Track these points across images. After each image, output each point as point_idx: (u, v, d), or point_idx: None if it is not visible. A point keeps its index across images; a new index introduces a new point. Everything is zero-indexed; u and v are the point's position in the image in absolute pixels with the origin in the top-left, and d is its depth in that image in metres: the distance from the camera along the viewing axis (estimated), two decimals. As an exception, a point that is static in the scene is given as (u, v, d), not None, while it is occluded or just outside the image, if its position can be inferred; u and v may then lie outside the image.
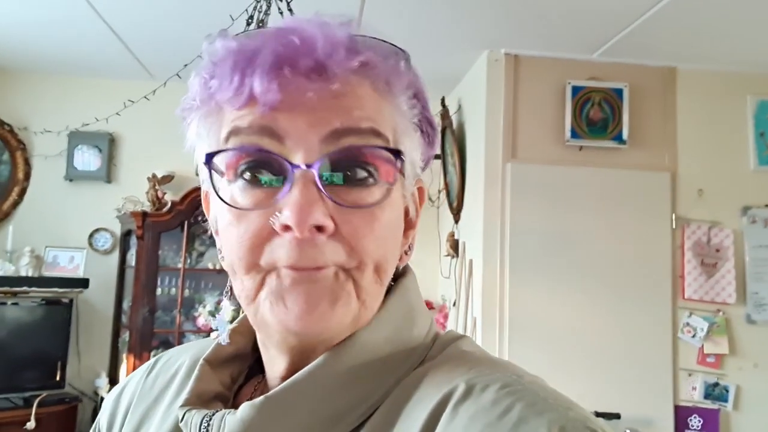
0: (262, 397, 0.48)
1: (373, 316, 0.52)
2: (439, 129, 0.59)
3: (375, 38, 0.52)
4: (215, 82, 0.49)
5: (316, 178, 0.46)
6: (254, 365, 0.60)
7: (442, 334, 0.57)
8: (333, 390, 0.49)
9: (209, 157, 0.49)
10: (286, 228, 0.46)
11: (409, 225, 0.57)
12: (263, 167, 0.48)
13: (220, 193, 0.49)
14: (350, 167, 0.48)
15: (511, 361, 0.51)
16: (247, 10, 2.13)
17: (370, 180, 0.49)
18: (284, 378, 0.52)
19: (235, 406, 0.55)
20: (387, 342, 0.52)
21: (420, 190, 0.59)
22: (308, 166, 0.46)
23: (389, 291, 0.55)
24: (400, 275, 0.57)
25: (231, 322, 0.61)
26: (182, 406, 0.53)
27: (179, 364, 0.64)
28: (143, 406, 0.62)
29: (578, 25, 2.75)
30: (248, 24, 2.03)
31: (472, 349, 0.54)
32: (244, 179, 0.48)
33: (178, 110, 0.54)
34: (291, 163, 0.47)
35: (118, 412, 0.64)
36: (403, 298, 0.55)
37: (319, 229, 0.46)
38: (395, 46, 0.54)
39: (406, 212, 0.56)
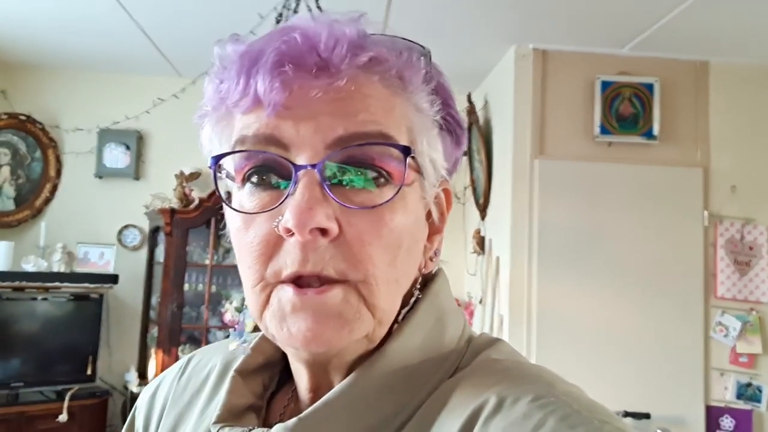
0: (295, 419, 0.47)
1: (403, 325, 0.51)
2: (465, 125, 0.57)
3: (388, 35, 0.50)
4: (225, 86, 0.48)
5: (320, 178, 0.45)
6: (285, 370, 0.59)
7: (475, 338, 0.55)
8: (366, 406, 0.48)
9: (216, 160, 0.49)
10: (289, 231, 0.45)
11: (433, 229, 0.55)
12: (270, 172, 0.47)
13: (231, 202, 0.49)
14: (358, 168, 0.46)
15: (545, 367, 0.49)
16: (276, 7, 2.14)
17: (381, 180, 0.47)
18: (311, 389, 0.52)
19: (268, 416, 0.56)
20: (418, 351, 0.50)
21: (446, 192, 0.55)
22: (312, 165, 0.45)
23: (419, 297, 0.53)
24: (429, 279, 0.55)
25: (253, 332, 0.60)
26: (215, 422, 0.52)
27: (210, 366, 0.63)
28: (176, 410, 0.61)
29: (608, 19, 2.71)
30: (278, 22, 2.03)
31: (504, 357, 0.52)
32: (252, 183, 0.48)
33: (195, 117, 0.53)
34: (295, 164, 0.46)
35: (153, 413, 0.64)
36: (433, 304, 0.53)
37: (323, 232, 0.45)
38: (413, 42, 0.51)
39: (429, 215, 0.54)
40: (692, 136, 3.00)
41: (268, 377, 0.58)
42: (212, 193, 3.50)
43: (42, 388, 3.26)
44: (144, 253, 3.76)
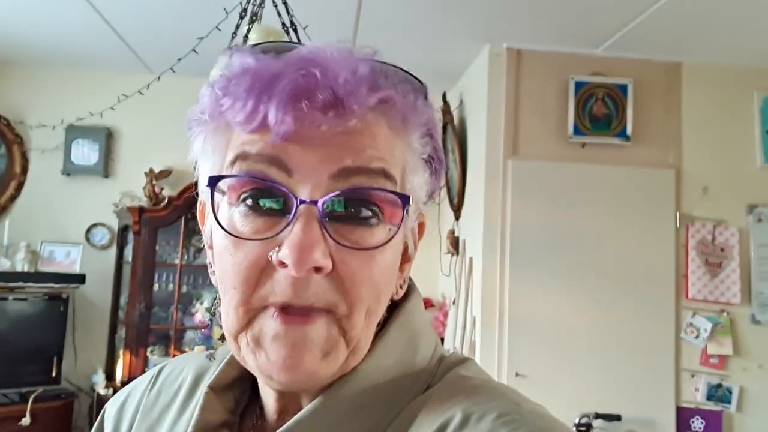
0: None
1: (375, 345, 0.51)
2: (443, 159, 0.58)
3: (397, 68, 0.51)
4: (227, 101, 0.47)
5: (320, 216, 0.45)
6: (255, 385, 0.59)
7: (446, 357, 0.56)
8: (337, 425, 0.48)
9: (213, 181, 0.48)
10: (284, 264, 0.45)
11: (405, 258, 0.55)
12: (268, 196, 0.47)
13: (218, 215, 0.48)
14: (356, 206, 0.47)
15: (512, 387, 0.50)
16: (241, 3, 2.08)
17: (374, 220, 0.48)
18: (277, 411, 0.53)
19: (241, 430, 0.56)
20: (390, 371, 0.51)
21: (420, 225, 0.57)
22: (313, 202, 0.45)
23: (390, 316, 0.54)
24: (402, 298, 0.56)
25: (220, 339, 0.60)
26: None
27: (181, 379, 0.63)
28: (146, 424, 0.61)
29: (582, 19, 2.70)
30: (241, 17, 1.98)
31: (472, 374, 0.52)
32: (246, 205, 0.47)
33: (186, 121, 0.53)
34: (296, 197, 0.45)
35: (121, 426, 0.64)
36: (405, 323, 0.54)
37: (317, 269, 0.45)
38: (411, 75, 0.52)
39: (405, 248, 0.55)
40: (665, 137, 3.00)
41: (240, 392, 0.58)
42: (182, 192, 3.44)
43: (5, 391, 3.16)
44: (113, 252, 3.68)
